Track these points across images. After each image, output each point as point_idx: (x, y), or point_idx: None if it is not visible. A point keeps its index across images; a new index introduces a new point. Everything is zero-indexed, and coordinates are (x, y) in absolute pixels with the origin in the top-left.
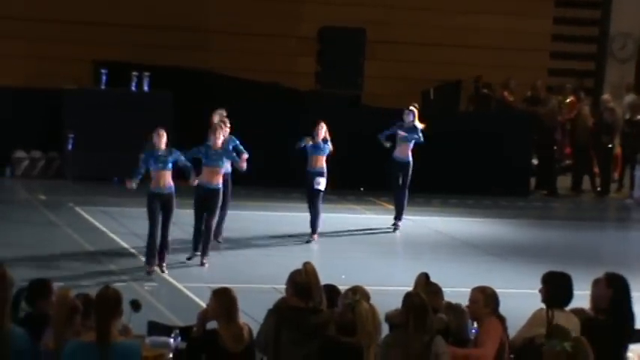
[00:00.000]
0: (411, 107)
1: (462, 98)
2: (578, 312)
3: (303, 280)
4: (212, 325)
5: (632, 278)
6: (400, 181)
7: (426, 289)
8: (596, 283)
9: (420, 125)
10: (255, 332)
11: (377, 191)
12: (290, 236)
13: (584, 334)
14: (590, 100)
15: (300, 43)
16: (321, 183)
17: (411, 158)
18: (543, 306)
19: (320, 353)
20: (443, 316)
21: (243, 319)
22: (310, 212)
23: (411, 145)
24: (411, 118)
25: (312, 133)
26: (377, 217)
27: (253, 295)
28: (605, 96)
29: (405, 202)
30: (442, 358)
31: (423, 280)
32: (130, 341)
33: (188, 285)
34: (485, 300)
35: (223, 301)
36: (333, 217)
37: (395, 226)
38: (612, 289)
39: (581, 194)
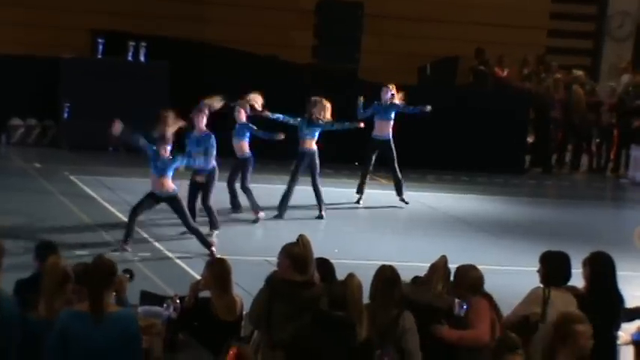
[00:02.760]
0: (389, 85)
1: (458, 74)
2: (570, 290)
3: (300, 252)
4: (205, 295)
5: (625, 257)
6: (387, 160)
7: (445, 271)
8: (583, 263)
9: (398, 102)
10: (247, 305)
11: (375, 166)
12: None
13: None
14: (586, 78)
15: (298, 16)
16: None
17: (391, 136)
18: (540, 284)
19: (312, 326)
20: (448, 297)
21: (235, 290)
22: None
23: (391, 122)
24: (389, 96)
25: (309, 109)
26: (372, 192)
27: (245, 267)
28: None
29: (400, 175)
30: (409, 333)
31: (445, 261)
32: (125, 310)
33: (181, 255)
34: (459, 280)
35: (217, 271)
36: (327, 192)
37: (404, 201)
38: (590, 267)
39: (577, 173)
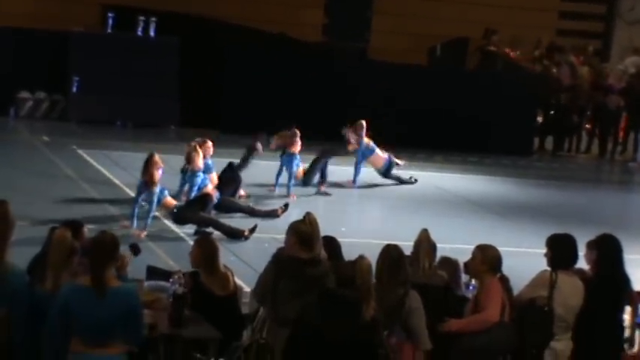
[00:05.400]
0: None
1: (468, 55)
2: (577, 273)
3: (307, 230)
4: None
5: (632, 240)
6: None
7: (429, 245)
8: (587, 246)
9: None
10: (252, 282)
11: (380, 144)
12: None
13: None
14: (595, 60)
15: None
16: None
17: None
18: (547, 267)
19: (317, 303)
20: (443, 274)
21: (237, 267)
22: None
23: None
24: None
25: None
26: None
27: (252, 245)
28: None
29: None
30: (415, 313)
31: (426, 235)
32: (127, 285)
33: (188, 231)
34: (483, 257)
35: (204, 249)
36: (336, 170)
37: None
38: (596, 250)
39: (584, 156)
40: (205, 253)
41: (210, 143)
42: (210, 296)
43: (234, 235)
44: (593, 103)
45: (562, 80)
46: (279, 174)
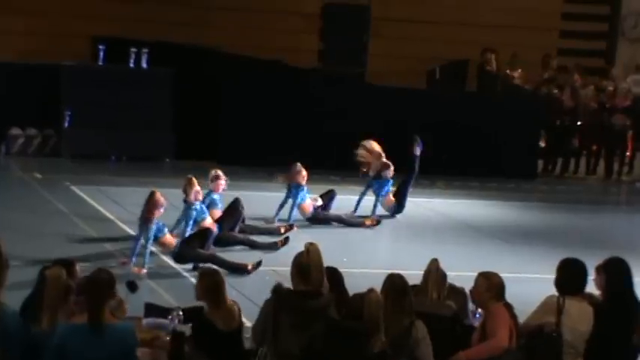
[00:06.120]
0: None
1: (469, 78)
2: (586, 298)
3: (304, 261)
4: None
5: None
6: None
7: (438, 275)
8: (596, 270)
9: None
10: (253, 315)
11: None
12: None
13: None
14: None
15: (304, 19)
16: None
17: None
18: (555, 292)
19: (325, 335)
20: (451, 304)
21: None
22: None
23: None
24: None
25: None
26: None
27: (253, 278)
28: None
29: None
30: (422, 343)
31: (436, 265)
32: (124, 323)
33: (186, 266)
34: (488, 285)
35: (207, 283)
36: (335, 199)
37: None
38: (606, 274)
39: (591, 177)
40: (210, 285)
41: (222, 180)
42: (214, 331)
43: (237, 270)
44: (598, 123)
45: (564, 102)
46: (282, 205)
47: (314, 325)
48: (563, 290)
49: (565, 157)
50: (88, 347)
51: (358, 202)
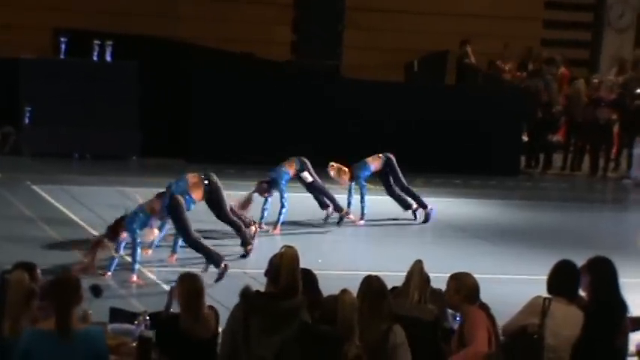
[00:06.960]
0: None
1: (448, 70)
2: (575, 302)
3: (275, 262)
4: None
5: (629, 263)
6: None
7: (421, 278)
8: (581, 270)
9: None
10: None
11: None
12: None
13: None
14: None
15: (276, 10)
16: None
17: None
18: (541, 294)
19: (298, 340)
20: (433, 308)
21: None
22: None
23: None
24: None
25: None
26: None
27: (225, 283)
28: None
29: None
30: (400, 349)
31: (420, 267)
32: (93, 327)
33: (152, 269)
34: (457, 287)
35: (186, 287)
36: (310, 197)
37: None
38: (590, 275)
39: (576, 173)
40: (187, 291)
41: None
42: (186, 339)
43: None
44: (583, 117)
45: (543, 94)
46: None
47: (285, 328)
48: (550, 291)
49: (547, 153)
50: (55, 354)
51: (348, 201)
